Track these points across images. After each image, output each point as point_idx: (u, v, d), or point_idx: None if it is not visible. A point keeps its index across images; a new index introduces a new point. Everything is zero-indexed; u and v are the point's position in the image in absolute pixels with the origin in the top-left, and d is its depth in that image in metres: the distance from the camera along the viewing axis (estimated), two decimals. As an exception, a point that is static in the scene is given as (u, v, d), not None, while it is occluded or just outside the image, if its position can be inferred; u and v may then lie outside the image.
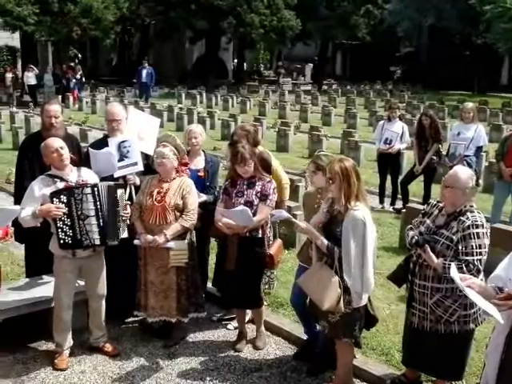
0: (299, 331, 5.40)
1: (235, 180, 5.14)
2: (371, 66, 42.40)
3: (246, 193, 5.06)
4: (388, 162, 10.01)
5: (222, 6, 32.42)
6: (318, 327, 4.87)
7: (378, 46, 41.19)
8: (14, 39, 36.72)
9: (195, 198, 5.21)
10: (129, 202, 5.20)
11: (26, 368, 4.98)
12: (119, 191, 5.01)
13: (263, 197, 5.03)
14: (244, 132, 5.56)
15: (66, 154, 4.87)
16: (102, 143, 5.60)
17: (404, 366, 4.72)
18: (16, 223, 5.15)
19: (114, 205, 4.91)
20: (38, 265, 5.63)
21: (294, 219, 4.80)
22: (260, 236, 5.10)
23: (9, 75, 27.68)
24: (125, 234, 5.07)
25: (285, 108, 23.35)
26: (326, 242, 4.29)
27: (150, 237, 5.01)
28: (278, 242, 5.22)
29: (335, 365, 4.62)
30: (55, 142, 4.86)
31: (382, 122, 10.38)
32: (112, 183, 5.01)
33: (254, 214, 4.93)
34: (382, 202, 10.16)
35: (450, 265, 3.80)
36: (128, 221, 5.11)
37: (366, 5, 38.39)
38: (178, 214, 5.07)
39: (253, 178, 5.09)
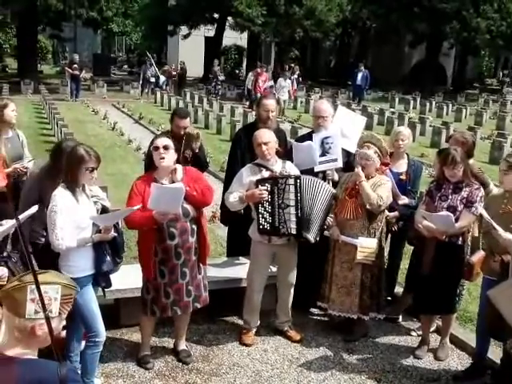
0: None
1: (441, 183, 5.01)
2: None
3: (450, 197, 4.90)
4: None
5: (445, 10, 31.26)
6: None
7: None
8: (241, 39, 39.50)
9: (387, 194, 5.12)
10: (333, 202, 5.27)
11: (216, 338, 5.41)
12: (326, 187, 5.11)
13: (468, 203, 4.83)
14: (462, 139, 5.41)
15: (271, 148, 5.06)
16: (306, 138, 5.81)
17: None
18: (223, 207, 5.60)
19: (315, 199, 5.01)
20: (237, 247, 6.05)
21: (497, 227, 4.28)
22: (460, 243, 4.94)
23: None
24: (317, 237, 5.09)
25: (504, 119, 21.80)
26: None
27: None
28: (481, 253, 4.96)
29: None
30: (263, 137, 5.04)
31: None
32: (315, 178, 5.13)
33: (457, 220, 4.79)
34: None
35: None
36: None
37: None
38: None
39: (460, 182, 4.90)
